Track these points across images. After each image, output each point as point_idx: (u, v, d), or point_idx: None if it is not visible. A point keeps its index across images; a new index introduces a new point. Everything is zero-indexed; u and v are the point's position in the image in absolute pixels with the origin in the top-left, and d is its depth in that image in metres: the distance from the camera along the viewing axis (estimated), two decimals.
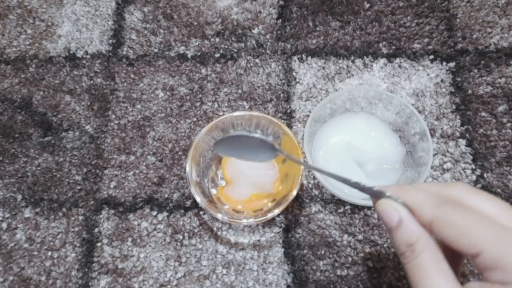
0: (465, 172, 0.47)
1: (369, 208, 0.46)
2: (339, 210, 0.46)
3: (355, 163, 0.46)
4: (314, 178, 0.47)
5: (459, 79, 0.52)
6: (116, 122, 0.51)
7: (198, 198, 0.41)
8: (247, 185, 0.46)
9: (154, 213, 0.46)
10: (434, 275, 0.24)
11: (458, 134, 0.49)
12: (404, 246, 0.25)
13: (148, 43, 0.55)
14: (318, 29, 0.55)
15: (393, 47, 0.54)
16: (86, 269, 0.44)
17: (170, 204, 0.47)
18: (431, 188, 0.26)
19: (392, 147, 0.47)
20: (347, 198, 0.43)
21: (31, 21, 0.57)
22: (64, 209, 0.47)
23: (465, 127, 0.49)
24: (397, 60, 0.53)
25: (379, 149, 0.47)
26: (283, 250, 0.45)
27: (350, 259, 0.44)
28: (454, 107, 0.50)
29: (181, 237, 0.45)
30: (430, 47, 0.53)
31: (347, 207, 0.46)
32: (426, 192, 0.26)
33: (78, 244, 0.45)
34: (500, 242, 0.22)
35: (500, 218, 0.23)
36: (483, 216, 0.23)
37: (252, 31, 0.55)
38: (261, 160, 0.39)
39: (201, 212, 0.46)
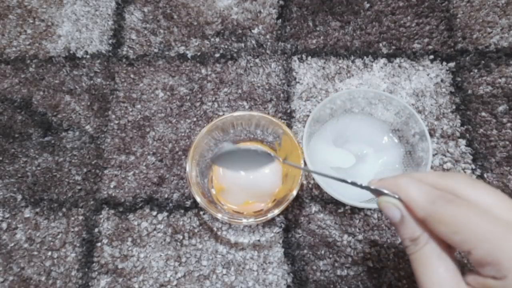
0: (465, 172, 0.47)
1: (368, 208, 0.46)
2: (339, 210, 0.46)
3: (354, 159, 0.46)
4: (314, 178, 0.47)
5: (459, 79, 0.52)
6: (116, 122, 0.51)
7: (198, 198, 0.41)
8: (244, 194, 0.45)
9: (154, 213, 0.46)
10: (435, 266, 0.25)
11: (458, 134, 0.49)
12: (408, 240, 0.26)
13: (148, 43, 0.55)
14: (318, 29, 0.55)
15: (393, 47, 0.54)
16: (86, 269, 0.44)
17: (170, 204, 0.47)
18: (428, 178, 0.27)
19: (390, 147, 0.47)
20: (346, 201, 0.43)
21: (31, 21, 0.57)
22: (64, 209, 0.47)
23: (465, 127, 0.49)
24: (397, 60, 0.53)
25: (377, 149, 0.47)
26: (283, 250, 0.45)
27: (350, 259, 0.44)
28: (454, 107, 0.50)
29: (181, 237, 0.45)
30: (430, 47, 0.53)
31: (347, 207, 0.46)
32: (421, 186, 0.26)
33: (78, 244, 0.45)
34: (491, 238, 0.22)
35: (496, 210, 0.24)
36: (476, 210, 0.23)
37: (252, 31, 0.55)
38: (261, 166, 0.39)
39: (201, 212, 0.46)
